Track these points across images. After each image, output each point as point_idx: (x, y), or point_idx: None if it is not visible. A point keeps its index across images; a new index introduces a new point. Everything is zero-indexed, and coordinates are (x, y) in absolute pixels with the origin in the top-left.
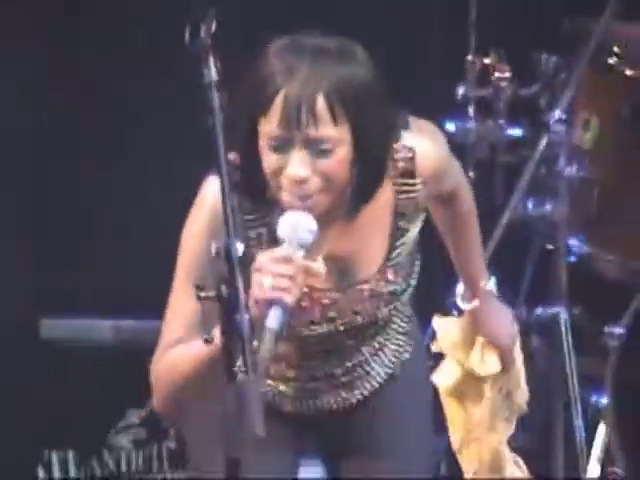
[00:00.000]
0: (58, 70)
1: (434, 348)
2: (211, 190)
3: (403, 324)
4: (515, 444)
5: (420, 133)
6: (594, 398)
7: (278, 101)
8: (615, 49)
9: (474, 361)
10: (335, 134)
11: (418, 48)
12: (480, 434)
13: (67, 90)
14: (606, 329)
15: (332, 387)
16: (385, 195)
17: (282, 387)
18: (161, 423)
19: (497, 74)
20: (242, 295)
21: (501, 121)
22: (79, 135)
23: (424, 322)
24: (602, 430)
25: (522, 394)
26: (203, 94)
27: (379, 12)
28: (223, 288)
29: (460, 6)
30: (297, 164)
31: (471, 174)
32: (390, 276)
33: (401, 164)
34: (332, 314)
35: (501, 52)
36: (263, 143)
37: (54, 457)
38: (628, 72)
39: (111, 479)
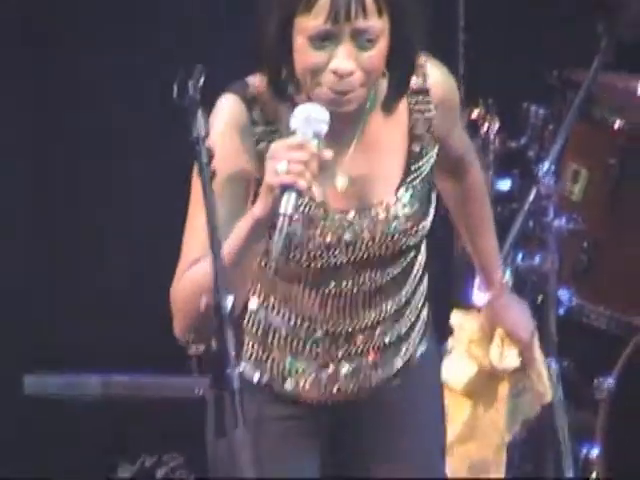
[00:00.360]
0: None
1: (450, 344)
2: (231, 101)
3: (421, 289)
4: None
5: (435, 64)
6: (585, 450)
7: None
8: (603, 101)
9: (494, 355)
10: (380, 24)
11: None
12: (483, 435)
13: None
14: (595, 381)
15: (355, 358)
16: (401, 117)
17: (303, 365)
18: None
19: (486, 126)
20: (231, 349)
21: (490, 173)
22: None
23: (441, 320)
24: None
25: (544, 391)
26: (192, 148)
27: None
28: (213, 343)
29: (449, 58)
30: (345, 57)
31: None
32: (405, 199)
33: (415, 80)
34: (348, 237)
35: (490, 104)
36: (302, 41)
37: None
38: (617, 124)
39: None
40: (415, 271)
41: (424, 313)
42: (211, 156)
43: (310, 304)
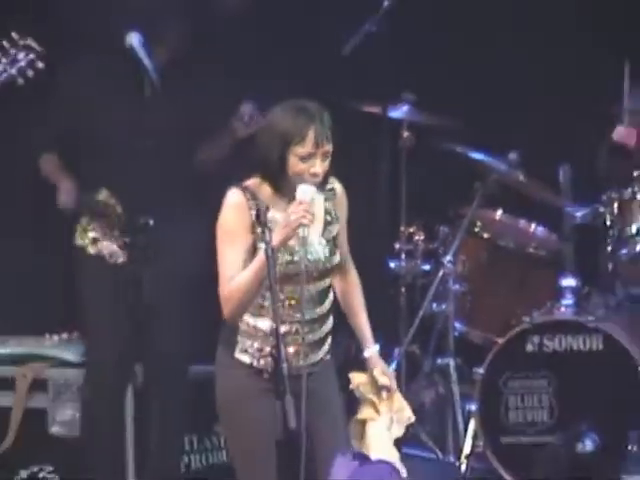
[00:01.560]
0: None
1: (351, 386)
2: (234, 194)
3: (330, 314)
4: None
5: (336, 181)
6: (467, 406)
7: (311, 134)
8: (478, 223)
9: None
10: (329, 149)
11: (376, 221)
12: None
13: None
14: (474, 370)
15: (302, 345)
16: (320, 202)
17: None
18: None
19: (416, 237)
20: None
21: (418, 261)
22: None
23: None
24: (471, 425)
25: (406, 412)
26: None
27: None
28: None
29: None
30: (318, 166)
31: (403, 289)
32: (324, 238)
33: (330, 185)
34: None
35: (419, 224)
36: (294, 159)
37: None
38: (485, 235)
39: None
40: (331, 295)
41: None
42: (269, 241)
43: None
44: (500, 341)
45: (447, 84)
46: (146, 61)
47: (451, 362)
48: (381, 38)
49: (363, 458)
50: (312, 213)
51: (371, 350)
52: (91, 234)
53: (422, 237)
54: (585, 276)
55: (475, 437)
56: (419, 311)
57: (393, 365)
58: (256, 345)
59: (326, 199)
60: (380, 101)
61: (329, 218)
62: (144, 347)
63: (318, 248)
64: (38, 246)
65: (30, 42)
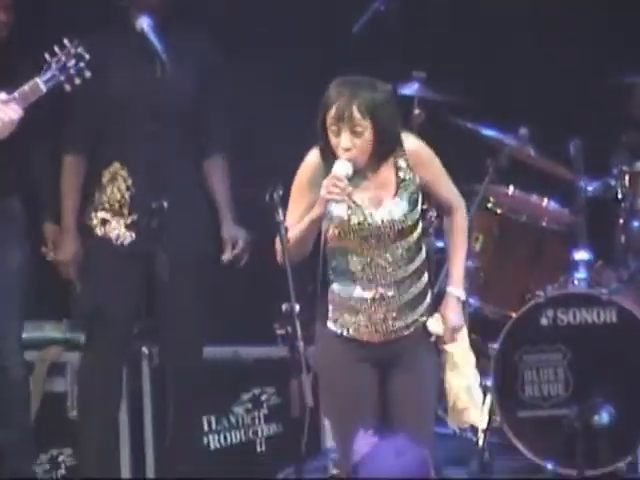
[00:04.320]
0: None
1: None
2: (312, 154)
3: (420, 273)
4: None
5: (407, 135)
6: (484, 381)
7: (334, 106)
8: (491, 199)
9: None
10: (363, 124)
11: None
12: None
13: None
14: (490, 345)
15: (390, 309)
16: (389, 165)
17: (359, 318)
18: None
19: (429, 213)
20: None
21: (432, 238)
22: None
23: None
24: (488, 399)
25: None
26: (277, 232)
27: None
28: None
29: None
30: (347, 140)
31: None
32: (399, 202)
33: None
34: (370, 221)
35: (432, 201)
36: (330, 133)
37: None
38: (498, 210)
39: None
40: (421, 252)
41: (427, 297)
42: (286, 231)
43: (356, 269)
44: (514, 315)
45: (457, 61)
46: (157, 44)
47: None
48: (390, 16)
49: (384, 433)
50: (344, 188)
51: (449, 291)
52: (100, 214)
53: (435, 214)
54: (598, 249)
55: (491, 412)
56: (433, 288)
57: None
58: (345, 315)
59: (397, 158)
60: (390, 78)
61: (402, 175)
62: (158, 328)
63: (393, 208)
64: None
65: (81, 50)
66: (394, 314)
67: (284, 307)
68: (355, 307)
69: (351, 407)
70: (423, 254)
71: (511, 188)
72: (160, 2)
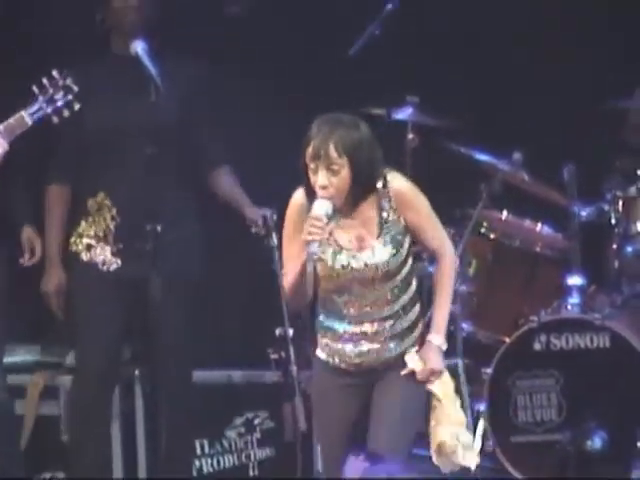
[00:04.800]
0: None
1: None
2: (296, 195)
3: (408, 308)
4: None
5: (394, 176)
6: (476, 406)
7: (311, 144)
8: (484, 223)
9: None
10: (339, 162)
11: None
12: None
13: None
14: (482, 370)
15: (375, 340)
16: (372, 205)
17: (341, 346)
18: None
19: None
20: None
21: (425, 262)
22: None
23: None
24: (481, 424)
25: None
26: (269, 255)
27: None
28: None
29: None
30: (323, 178)
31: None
32: (382, 245)
33: (379, 184)
34: (354, 265)
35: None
36: (309, 169)
37: None
38: (491, 235)
39: None
40: (410, 288)
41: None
42: (280, 255)
43: (342, 306)
44: (508, 340)
45: (450, 85)
46: (151, 67)
47: (459, 362)
48: (384, 41)
49: (374, 458)
50: (322, 227)
51: (430, 340)
52: (86, 240)
53: None
54: (591, 274)
55: (485, 436)
56: (427, 312)
57: None
58: (330, 343)
59: (382, 198)
60: (384, 103)
61: (385, 216)
62: (151, 351)
63: (376, 251)
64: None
65: (69, 83)
66: (381, 346)
67: (278, 332)
68: (341, 339)
69: (337, 434)
70: (413, 288)
71: (504, 213)
72: (153, 25)
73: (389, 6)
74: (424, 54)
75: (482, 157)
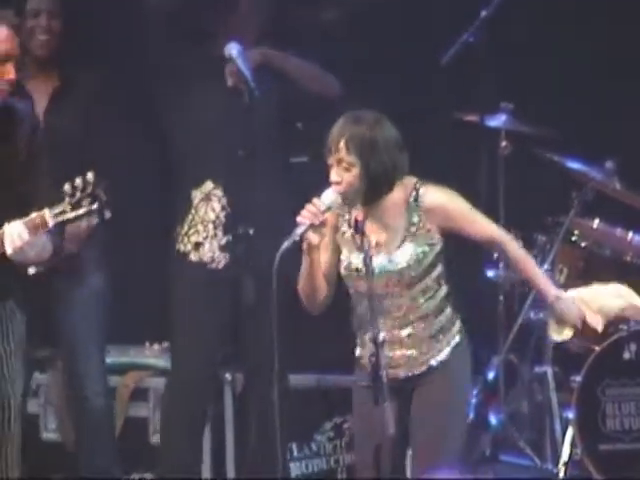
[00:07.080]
0: None
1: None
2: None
3: (440, 310)
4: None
5: (430, 190)
6: (565, 413)
7: (329, 139)
8: (576, 232)
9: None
10: (348, 159)
11: None
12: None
13: None
14: (572, 378)
15: (407, 348)
16: (401, 216)
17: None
18: None
19: None
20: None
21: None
22: None
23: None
24: (569, 432)
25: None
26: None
27: None
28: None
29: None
30: (334, 173)
31: (501, 297)
32: (407, 249)
33: (411, 196)
34: (377, 269)
35: (517, 232)
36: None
37: None
38: (582, 244)
39: None
40: (437, 294)
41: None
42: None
43: (365, 312)
44: (597, 349)
45: (544, 93)
46: (245, 70)
47: (549, 370)
48: (479, 48)
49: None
50: (315, 213)
51: (551, 302)
52: (193, 238)
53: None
54: None
55: (573, 444)
56: (517, 319)
57: (492, 374)
58: (361, 352)
59: (412, 211)
60: (478, 110)
61: (413, 229)
62: (242, 355)
63: (399, 257)
64: (137, 254)
65: (99, 192)
66: (414, 351)
67: (368, 336)
68: (367, 346)
69: (367, 446)
70: (442, 291)
71: (596, 221)
72: (250, 27)
73: (483, 13)
74: (518, 61)
75: (574, 165)
